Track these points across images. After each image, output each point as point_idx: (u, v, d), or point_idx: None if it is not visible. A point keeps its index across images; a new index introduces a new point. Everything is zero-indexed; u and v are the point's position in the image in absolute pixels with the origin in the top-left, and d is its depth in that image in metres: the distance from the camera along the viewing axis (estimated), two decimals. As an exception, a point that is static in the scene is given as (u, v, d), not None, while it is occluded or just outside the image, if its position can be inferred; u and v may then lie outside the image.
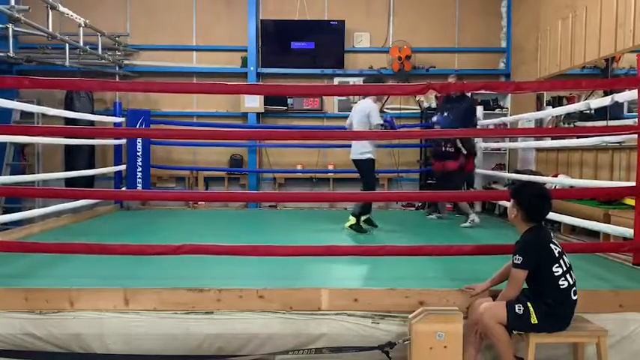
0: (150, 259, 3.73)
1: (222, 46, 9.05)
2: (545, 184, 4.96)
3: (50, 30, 6.45)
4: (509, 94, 8.46)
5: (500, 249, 3.57)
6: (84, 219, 6.63)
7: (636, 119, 4.08)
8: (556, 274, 2.83)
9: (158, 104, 8.97)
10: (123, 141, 7.80)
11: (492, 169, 8.15)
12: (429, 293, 3.26)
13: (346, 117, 9.50)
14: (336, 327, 3.16)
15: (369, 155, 5.88)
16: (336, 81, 9.01)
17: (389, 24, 9.12)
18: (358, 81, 8.92)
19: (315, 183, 8.98)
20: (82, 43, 7.30)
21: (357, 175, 6.16)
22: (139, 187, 7.66)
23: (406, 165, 8.94)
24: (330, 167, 8.96)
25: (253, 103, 8.85)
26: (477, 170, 7.86)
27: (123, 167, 7.81)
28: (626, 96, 4.39)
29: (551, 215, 5.02)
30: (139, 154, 7.68)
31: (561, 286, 2.82)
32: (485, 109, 8.27)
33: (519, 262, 2.85)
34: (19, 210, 7.23)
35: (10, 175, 7.82)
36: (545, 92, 7.75)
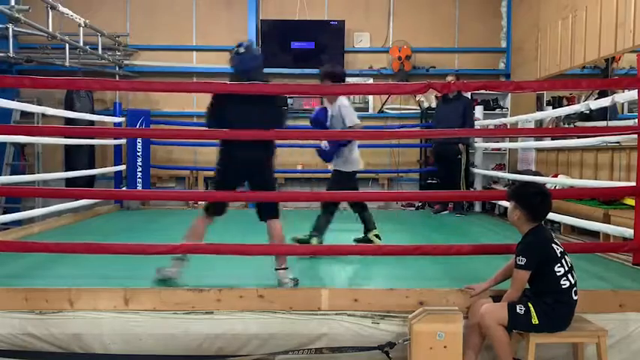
0: (150, 259, 3.72)
1: (222, 46, 9.02)
2: (545, 184, 4.95)
3: (50, 30, 6.45)
4: (509, 94, 8.46)
5: (500, 249, 3.57)
6: (84, 219, 6.62)
7: (636, 119, 4.09)
8: (558, 274, 2.83)
9: (158, 104, 8.96)
10: (123, 141, 7.79)
11: (492, 169, 8.14)
12: (429, 293, 3.26)
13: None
14: (336, 327, 3.16)
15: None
16: (336, 81, 8.99)
17: (389, 24, 9.11)
18: (358, 81, 8.91)
19: (315, 183, 8.97)
20: (82, 43, 7.29)
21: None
22: (139, 187, 7.65)
23: (406, 165, 8.93)
24: (330, 167, 8.94)
25: (253, 103, 8.82)
26: (477, 170, 7.87)
27: (123, 167, 7.81)
28: (626, 96, 4.40)
29: (551, 215, 5.02)
30: (139, 154, 7.67)
31: (563, 286, 2.82)
32: (485, 109, 8.26)
33: (522, 263, 2.84)
34: (19, 210, 7.22)
35: (10, 175, 7.82)
36: (545, 92, 7.76)
